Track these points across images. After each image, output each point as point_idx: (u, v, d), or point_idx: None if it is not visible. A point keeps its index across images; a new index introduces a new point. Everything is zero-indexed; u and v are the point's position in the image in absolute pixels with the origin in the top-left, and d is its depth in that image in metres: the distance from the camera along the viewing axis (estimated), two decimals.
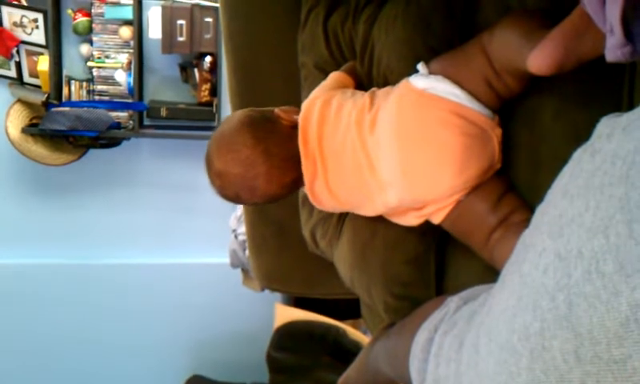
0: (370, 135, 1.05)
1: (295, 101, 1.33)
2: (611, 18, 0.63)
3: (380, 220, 1.16)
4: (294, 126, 1.10)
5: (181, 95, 3.27)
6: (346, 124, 1.08)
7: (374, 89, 1.13)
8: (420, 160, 1.02)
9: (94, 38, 3.11)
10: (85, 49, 3.14)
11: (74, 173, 3.25)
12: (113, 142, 3.22)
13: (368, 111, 1.07)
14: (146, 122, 3.24)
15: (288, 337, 2.57)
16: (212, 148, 1.11)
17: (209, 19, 3.03)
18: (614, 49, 0.64)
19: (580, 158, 0.53)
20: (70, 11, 3.09)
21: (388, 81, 1.15)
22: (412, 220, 1.09)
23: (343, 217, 1.33)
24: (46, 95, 3.07)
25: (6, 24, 3.05)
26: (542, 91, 0.99)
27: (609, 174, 0.46)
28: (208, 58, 3.10)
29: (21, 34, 3.08)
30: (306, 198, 1.21)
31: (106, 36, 3.12)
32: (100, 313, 3.37)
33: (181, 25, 3.01)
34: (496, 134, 1.01)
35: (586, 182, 0.49)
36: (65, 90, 3.14)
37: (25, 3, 3.06)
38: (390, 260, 1.20)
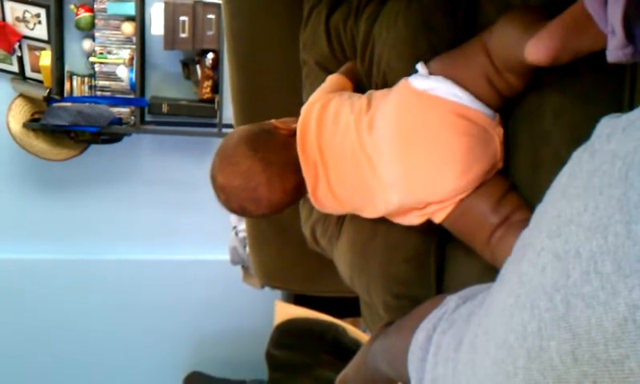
0: (369, 136, 1.05)
1: (296, 98, 1.33)
2: (613, 19, 0.63)
3: (381, 219, 1.15)
4: (293, 134, 1.10)
5: (182, 92, 3.27)
6: (345, 127, 1.08)
7: (371, 91, 1.14)
8: (422, 162, 1.02)
9: (97, 34, 3.11)
10: (87, 44, 3.14)
11: (75, 168, 3.25)
12: (114, 138, 3.22)
13: (365, 113, 1.07)
14: (148, 118, 3.24)
15: (288, 334, 2.57)
16: (214, 164, 1.13)
17: (211, 16, 3.03)
18: (616, 50, 0.64)
19: (579, 158, 0.53)
20: (72, 6, 3.09)
21: (387, 79, 1.15)
22: (413, 219, 1.09)
23: (343, 215, 1.33)
24: (47, 90, 3.07)
25: (9, 19, 3.05)
26: (542, 91, 0.99)
27: (608, 174, 0.46)
28: (210, 55, 3.10)
29: (23, 29, 3.08)
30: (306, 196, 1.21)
31: (108, 32, 3.12)
32: (100, 308, 3.38)
33: (183, 21, 3.01)
34: (497, 133, 1.01)
35: (585, 183, 0.49)
36: (67, 86, 3.14)
37: None
38: (390, 259, 1.20)
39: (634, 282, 0.40)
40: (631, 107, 0.53)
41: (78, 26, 3.10)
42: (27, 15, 3.06)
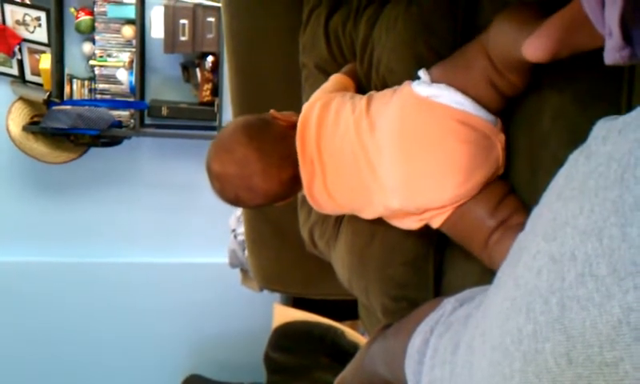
0: (371, 138, 1.05)
1: (296, 101, 1.33)
2: (610, 21, 0.62)
3: (379, 222, 1.15)
4: (292, 127, 1.10)
5: (182, 95, 3.27)
6: (345, 127, 1.08)
7: (371, 92, 1.13)
8: (424, 169, 1.01)
9: (97, 37, 3.12)
10: (87, 47, 3.15)
11: (74, 171, 3.25)
12: (114, 141, 3.22)
13: (366, 115, 1.06)
14: (147, 121, 3.25)
15: (286, 337, 2.56)
16: (211, 152, 1.12)
17: (211, 19, 3.04)
18: (613, 51, 0.63)
19: (576, 160, 0.53)
20: (72, 10, 3.10)
21: (387, 82, 1.15)
22: (411, 224, 1.08)
23: (341, 217, 1.33)
24: (47, 93, 3.07)
25: (9, 22, 3.06)
26: (541, 94, 0.99)
27: (604, 176, 0.46)
28: (210, 58, 3.10)
29: (23, 32, 3.08)
30: (304, 198, 1.21)
31: (108, 35, 3.13)
32: (99, 311, 3.38)
33: (183, 24, 3.01)
34: (500, 140, 1.01)
35: (580, 185, 0.48)
36: (66, 89, 3.14)
37: (27, 1, 3.06)
38: (388, 262, 1.20)
39: (628, 284, 0.40)
40: (629, 109, 0.53)
41: (78, 29, 3.10)
42: (27, 18, 3.06)
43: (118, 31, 3.11)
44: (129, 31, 3.09)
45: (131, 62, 3.12)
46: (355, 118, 1.07)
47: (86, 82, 3.16)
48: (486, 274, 1.00)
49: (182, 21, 3.01)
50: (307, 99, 1.17)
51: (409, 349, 0.83)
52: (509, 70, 0.96)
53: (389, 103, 1.06)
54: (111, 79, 3.16)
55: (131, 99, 3.15)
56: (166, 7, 3.00)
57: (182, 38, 3.03)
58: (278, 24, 1.47)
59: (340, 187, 1.10)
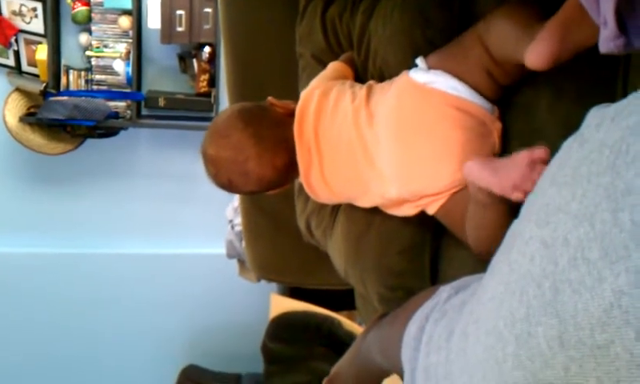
0: (369, 128, 1.05)
1: (293, 91, 1.33)
2: (605, 10, 0.63)
3: (375, 211, 1.16)
4: (289, 114, 1.10)
5: (179, 85, 3.27)
6: (343, 116, 1.08)
7: (371, 82, 1.14)
8: (420, 155, 1.02)
9: (93, 28, 3.10)
10: (83, 38, 3.13)
11: (71, 162, 3.25)
12: (110, 132, 3.22)
13: (365, 105, 1.07)
14: (144, 111, 3.24)
15: (283, 327, 2.57)
16: (206, 137, 1.13)
17: (208, 10, 3.03)
18: (607, 41, 0.64)
19: (569, 147, 0.53)
20: (69, 0, 3.08)
21: (384, 73, 1.15)
22: (408, 210, 1.09)
23: (338, 207, 1.33)
24: (44, 84, 3.06)
25: (5, 12, 3.04)
26: (537, 85, 0.99)
27: (596, 162, 0.47)
28: (207, 49, 3.09)
29: (19, 23, 3.07)
30: (301, 188, 1.21)
31: (104, 25, 3.11)
32: (96, 302, 3.38)
33: (180, 15, 3.00)
34: (496, 127, 1.01)
35: (573, 171, 0.49)
36: (63, 79, 3.13)
37: None
38: (385, 251, 1.21)
39: (619, 268, 0.41)
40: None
41: (74, 20, 3.09)
42: (24, 9, 3.05)
43: (115, 22, 3.10)
44: (125, 22, 3.08)
45: (128, 52, 3.11)
46: (355, 107, 1.07)
47: (83, 73, 3.15)
48: (480, 263, 1.00)
49: (179, 11, 3.00)
50: (304, 89, 1.17)
51: (405, 336, 0.84)
52: (506, 62, 0.97)
53: (387, 93, 1.06)
54: (108, 70, 3.15)
55: (128, 90, 3.14)
56: None
57: (179, 29, 3.02)
58: (274, 14, 1.47)
59: (337, 175, 1.10)
